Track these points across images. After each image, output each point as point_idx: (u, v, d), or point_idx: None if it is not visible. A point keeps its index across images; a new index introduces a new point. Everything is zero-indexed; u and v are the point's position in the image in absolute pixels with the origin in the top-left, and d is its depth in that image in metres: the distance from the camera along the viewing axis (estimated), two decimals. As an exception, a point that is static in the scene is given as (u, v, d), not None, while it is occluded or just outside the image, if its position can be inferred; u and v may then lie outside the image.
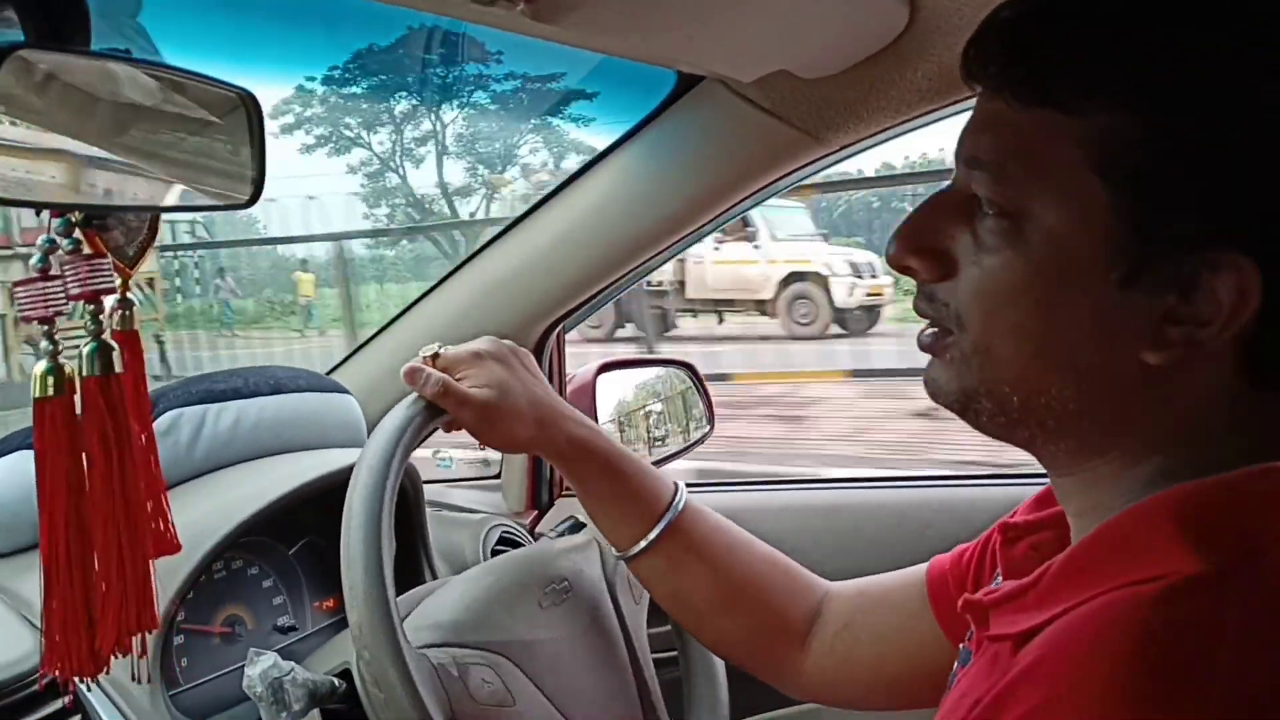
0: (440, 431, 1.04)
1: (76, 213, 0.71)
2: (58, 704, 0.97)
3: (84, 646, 0.73)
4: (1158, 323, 0.61)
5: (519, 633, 1.05)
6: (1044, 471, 0.73)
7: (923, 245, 0.70)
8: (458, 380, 1.01)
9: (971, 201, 0.67)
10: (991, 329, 0.66)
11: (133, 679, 0.96)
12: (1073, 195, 0.62)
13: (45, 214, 0.69)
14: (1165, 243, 0.60)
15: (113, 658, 0.75)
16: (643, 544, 1.04)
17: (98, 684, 1.01)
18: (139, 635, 0.76)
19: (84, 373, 0.72)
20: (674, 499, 1.05)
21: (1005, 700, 0.58)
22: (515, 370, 1.04)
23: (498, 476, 1.72)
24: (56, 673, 0.74)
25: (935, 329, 0.70)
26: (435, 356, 1.03)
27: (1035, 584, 0.66)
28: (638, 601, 1.19)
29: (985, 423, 0.69)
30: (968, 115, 0.70)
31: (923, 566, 0.99)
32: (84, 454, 0.73)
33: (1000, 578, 0.80)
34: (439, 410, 1.00)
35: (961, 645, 0.80)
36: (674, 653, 1.25)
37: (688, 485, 1.09)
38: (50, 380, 0.71)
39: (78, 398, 0.73)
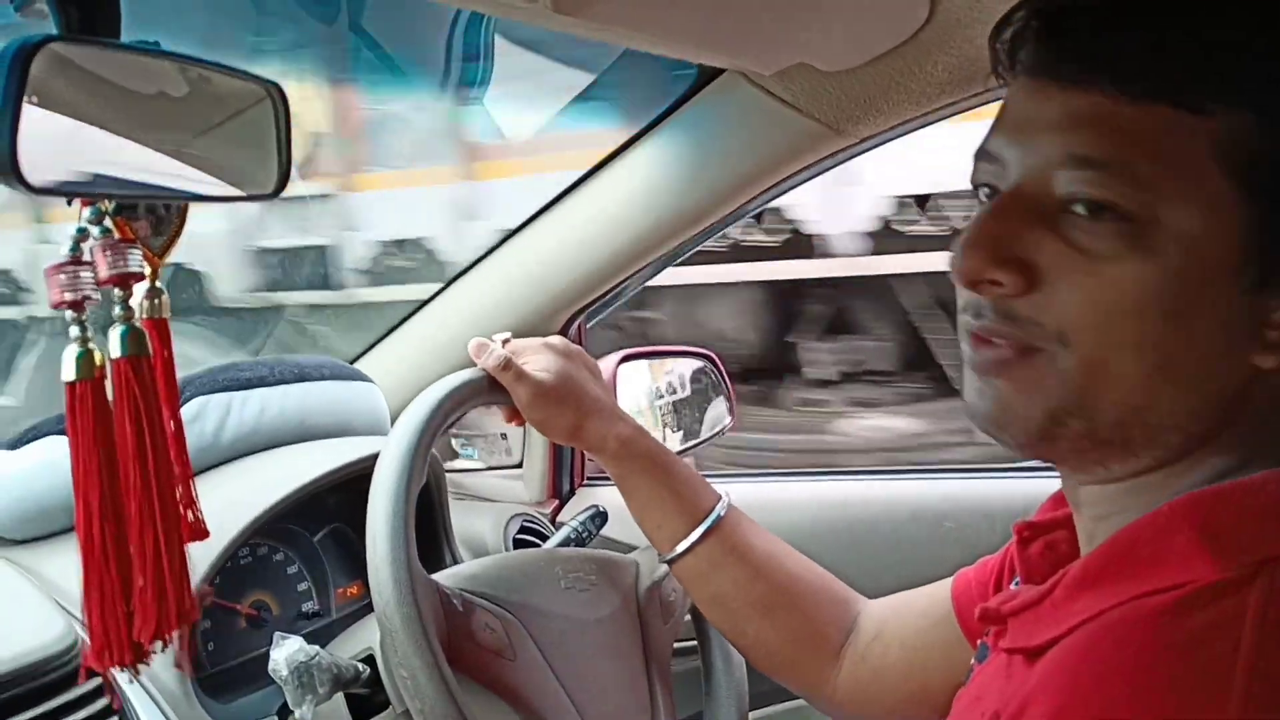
0: (500, 419, 1.09)
1: (107, 202, 0.72)
2: (88, 686, 0.99)
3: (124, 637, 0.73)
4: (1274, 326, 0.60)
5: (534, 599, 1.07)
6: None
7: (1008, 255, 0.62)
8: (521, 363, 1.05)
9: (1050, 204, 0.62)
10: (1108, 343, 0.61)
11: (176, 666, 0.98)
12: (1205, 197, 0.59)
13: (76, 203, 0.70)
14: None
15: (154, 648, 0.75)
16: (685, 544, 1.04)
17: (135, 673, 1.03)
18: (179, 625, 0.75)
19: (115, 355, 0.73)
20: (717, 503, 1.06)
21: (1022, 712, 0.58)
22: (577, 366, 1.08)
23: (519, 466, 1.73)
24: (99, 665, 0.74)
25: (1008, 348, 0.64)
26: (506, 342, 1.07)
27: (1050, 592, 0.65)
28: (666, 622, 1.19)
29: (1063, 447, 0.65)
30: (991, 107, 0.67)
31: (950, 579, 0.99)
32: (116, 437, 0.73)
33: (1019, 580, 0.79)
34: (497, 387, 1.04)
35: (981, 640, 0.80)
36: (693, 641, 1.25)
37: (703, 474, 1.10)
38: (81, 363, 0.72)
39: (108, 382, 0.74)
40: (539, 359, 1.06)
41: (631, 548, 1.23)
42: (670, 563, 1.06)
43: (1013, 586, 0.81)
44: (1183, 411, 0.62)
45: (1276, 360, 0.60)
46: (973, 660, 0.81)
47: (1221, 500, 0.61)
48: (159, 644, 0.74)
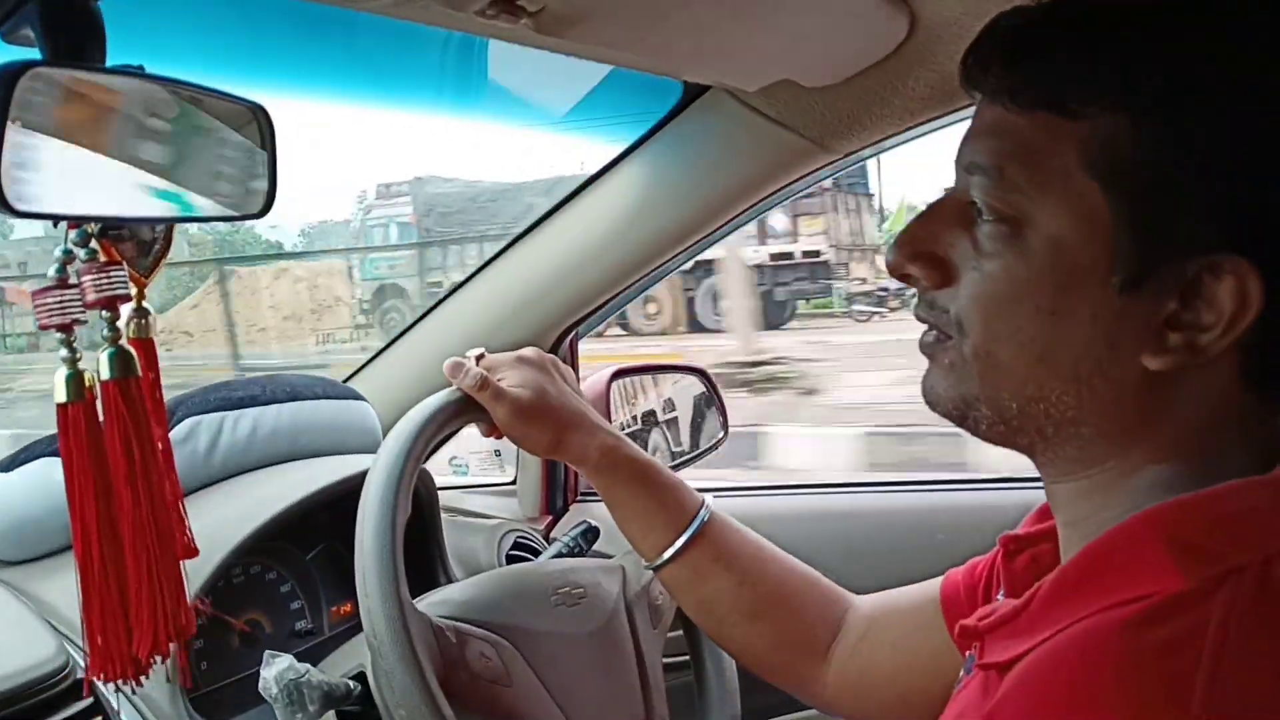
0: (462, 438, 1.07)
1: (93, 224, 0.73)
2: (81, 705, 0.99)
3: (125, 651, 0.74)
4: (1159, 328, 0.61)
5: (526, 621, 1.07)
6: None
7: (921, 251, 0.70)
8: (497, 380, 1.04)
9: (970, 208, 0.67)
10: (992, 334, 0.66)
11: (167, 680, 0.98)
12: (1073, 199, 0.62)
13: (62, 225, 0.71)
14: (1166, 247, 0.60)
15: (154, 661, 0.76)
16: (669, 552, 1.05)
17: (117, 686, 1.03)
18: (176, 639, 0.77)
19: (104, 377, 0.73)
20: (700, 509, 1.06)
21: None
22: (552, 378, 1.07)
23: (513, 482, 1.73)
24: (101, 677, 0.75)
25: (935, 333, 0.71)
26: (480, 358, 1.07)
27: (1025, 607, 0.66)
28: (655, 627, 1.19)
29: (985, 430, 0.69)
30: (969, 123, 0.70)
31: (939, 580, 0.99)
32: (108, 457, 0.74)
33: (1003, 593, 0.80)
34: (475, 406, 1.03)
35: (968, 652, 0.80)
36: (685, 656, 1.25)
37: (701, 490, 1.10)
38: (71, 385, 0.73)
39: (99, 404, 0.74)
40: (515, 374, 1.05)
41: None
42: (655, 570, 1.07)
43: (999, 598, 0.82)
44: (1082, 406, 0.65)
45: (1164, 362, 0.61)
46: (962, 671, 0.81)
47: (1187, 511, 0.61)
48: (158, 657, 0.76)
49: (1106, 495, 0.66)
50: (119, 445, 0.74)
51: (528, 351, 1.09)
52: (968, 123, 0.69)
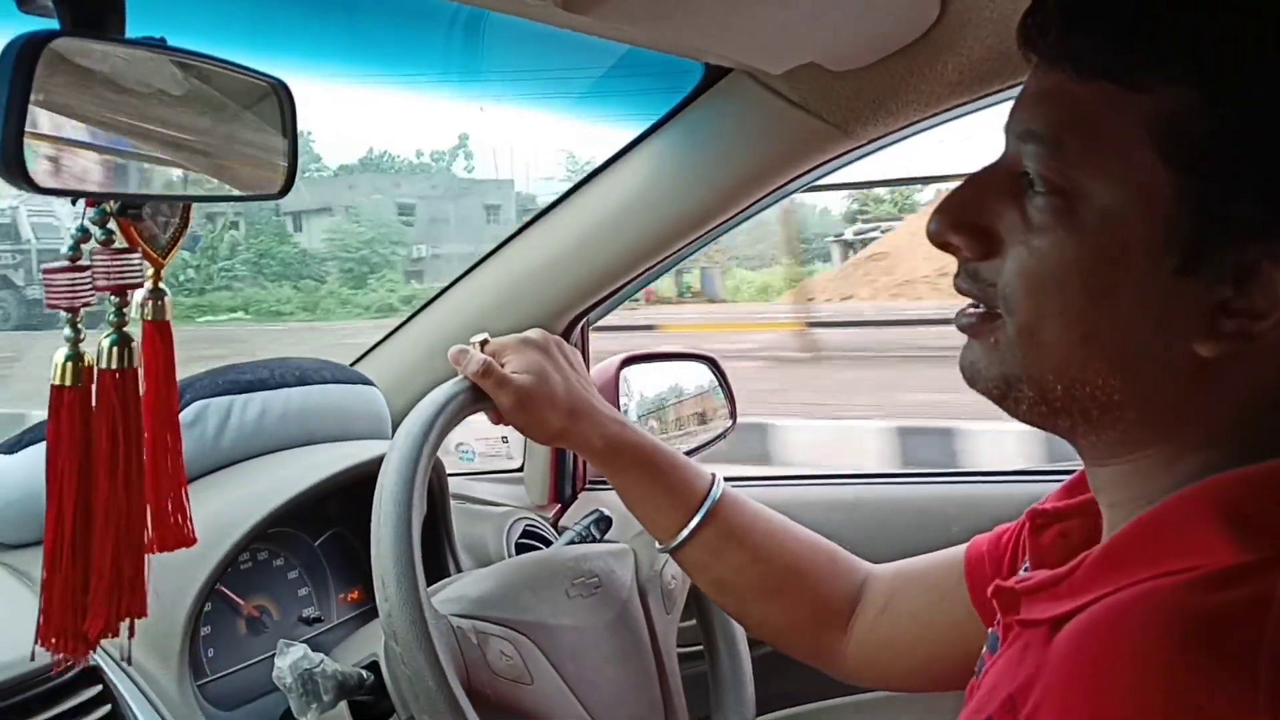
0: (470, 423, 1.06)
1: (111, 202, 0.71)
2: (91, 693, 0.98)
3: (76, 628, 0.75)
4: (1212, 313, 0.60)
5: (543, 615, 1.06)
6: (1070, 469, 0.71)
7: (966, 220, 0.67)
8: (501, 365, 1.02)
9: (1020, 178, 0.65)
10: (1038, 312, 0.64)
11: (121, 658, 0.97)
12: (1132, 174, 0.60)
13: (82, 203, 0.69)
14: (1226, 229, 0.59)
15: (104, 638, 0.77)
16: (683, 534, 1.04)
17: (125, 673, 1.02)
18: (129, 620, 0.77)
19: (101, 365, 0.72)
20: (711, 488, 1.05)
21: (1037, 680, 0.58)
22: (557, 362, 1.05)
23: (521, 470, 1.72)
24: (49, 648, 0.76)
25: (978, 310, 0.68)
26: (484, 344, 1.05)
27: (1071, 574, 0.65)
28: (669, 611, 1.19)
29: (1025, 411, 0.67)
30: (1000, 106, 0.68)
31: (962, 547, 0.98)
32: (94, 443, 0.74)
33: (1029, 565, 0.79)
34: (482, 395, 1.02)
35: (991, 630, 0.79)
36: (700, 646, 1.24)
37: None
38: (69, 369, 0.72)
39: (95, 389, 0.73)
40: (519, 359, 1.03)
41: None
42: (671, 552, 1.06)
43: (1023, 571, 0.80)
44: (1127, 390, 0.63)
45: (1215, 349, 0.60)
46: (984, 649, 0.80)
47: (1247, 485, 0.60)
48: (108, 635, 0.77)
49: (1149, 479, 0.65)
50: (105, 435, 0.73)
51: (532, 333, 1.07)
52: (989, 110, 0.67)
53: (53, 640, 0.75)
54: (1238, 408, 0.62)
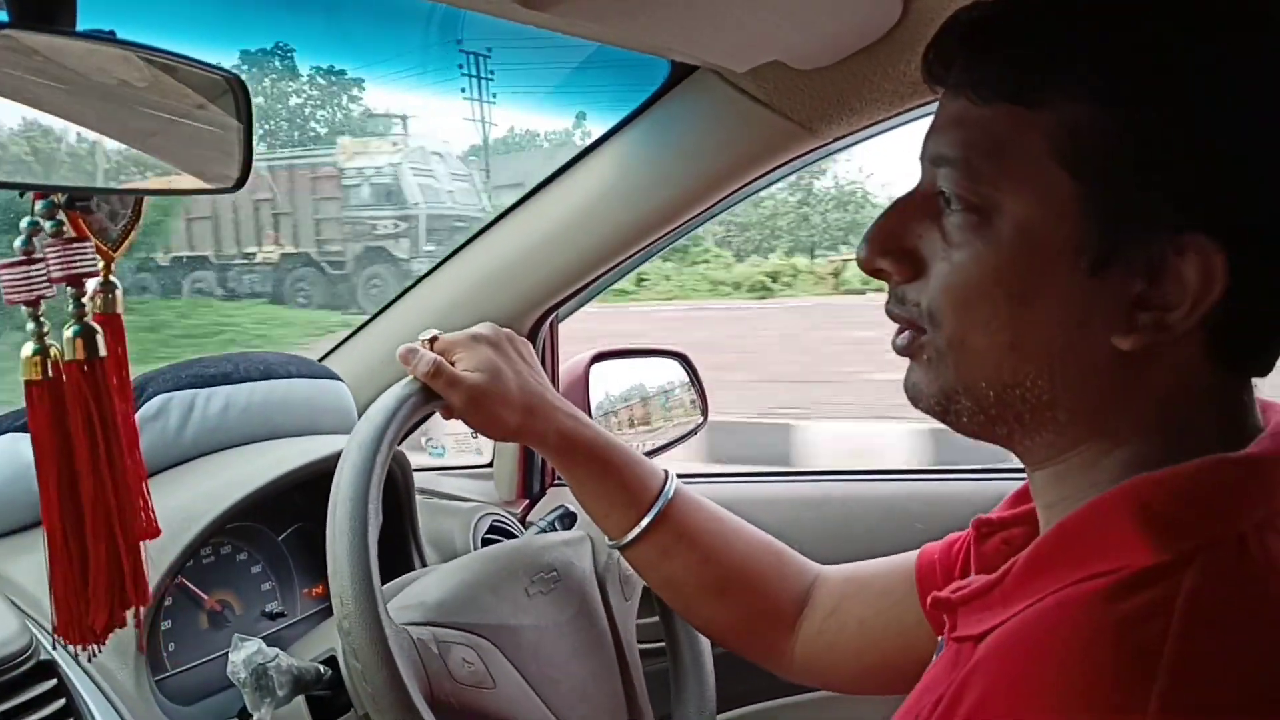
0: (439, 419, 1.06)
1: (60, 195, 0.70)
2: (45, 687, 0.97)
3: (84, 620, 0.76)
4: (1128, 308, 0.62)
5: (503, 617, 1.05)
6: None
7: (892, 246, 0.70)
8: (452, 363, 1.02)
9: (936, 200, 0.68)
10: (964, 323, 0.66)
11: (139, 649, 0.98)
12: (1039, 186, 0.63)
13: (28, 196, 0.69)
14: (1132, 227, 0.61)
15: (114, 630, 0.79)
16: (634, 533, 1.04)
17: (81, 668, 1.01)
18: (134, 609, 0.79)
19: (66, 357, 0.72)
20: (664, 487, 1.05)
21: (957, 698, 0.59)
22: (509, 357, 1.05)
23: (489, 465, 1.71)
24: (63, 642, 0.78)
25: (908, 331, 0.71)
26: (434, 341, 1.04)
27: (1000, 581, 0.67)
28: (627, 599, 1.20)
29: (966, 423, 0.70)
30: None
31: (914, 554, 0.99)
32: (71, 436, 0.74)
33: (973, 573, 0.80)
34: (434, 394, 1.01)
35: (940, 637, 0.80)
36: (662, 643, 1.25)
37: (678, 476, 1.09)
38: (37, 362, 0.72)
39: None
40: (470, 357, 1.02)
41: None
42: (621, 550, 1.06)
43: (967, 580, 0.82)
44: (1055, 389, 0.65)
45: (1132, 341, 0.62)
46: (934, 655, 0.81)
47: (1158, 486, 0.62)
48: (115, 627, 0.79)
49: (1083, 477, 0.67)
50: (80, 425, 0.74)
51: (483, 328, 1.06)
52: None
53: (65, 635, 0.77)
54: (1161, 400, 0.64)
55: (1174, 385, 0.64)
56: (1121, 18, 0.61)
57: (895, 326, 0.72)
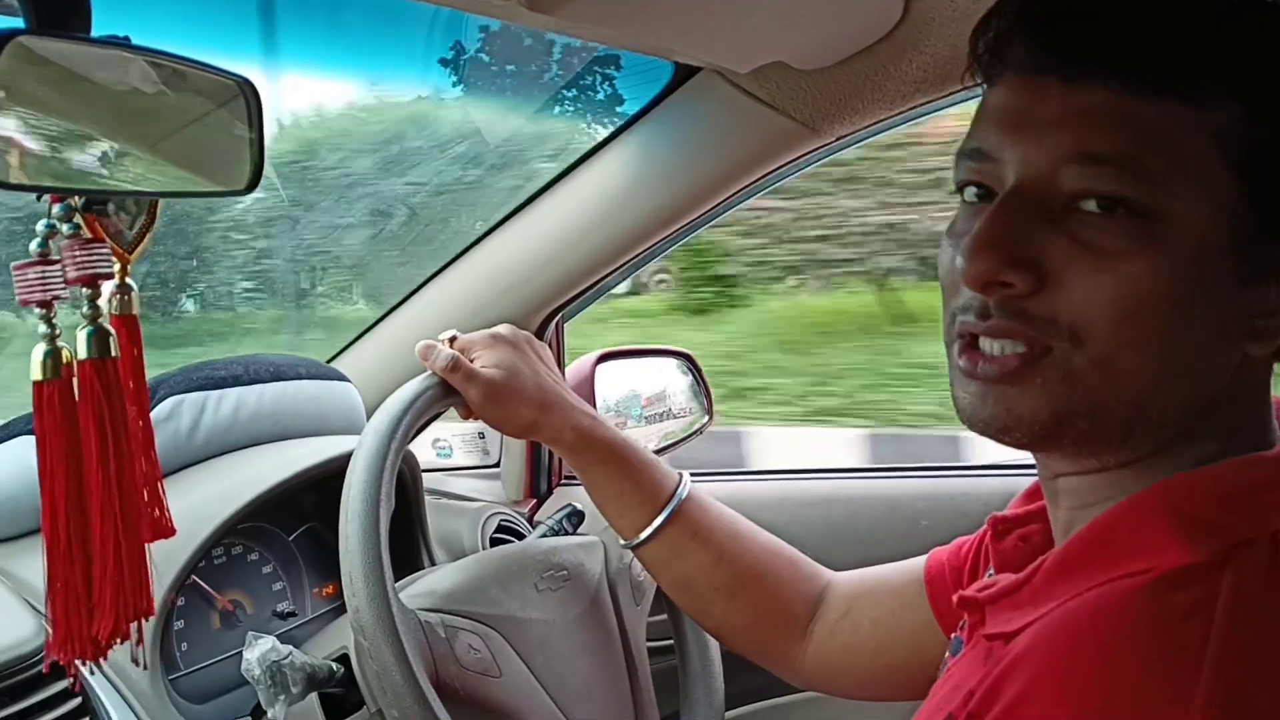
0: (456, 417, 1.07)
1: (76, 198, 0.71)
2: (60, 686, 0.98)
3: (85, 631, 0.74)
4: (1266, 314, 0.61)
5: (512, 609, 1.07)
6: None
7: (1020, 256, 0.61)
8: (470, 360, 1.03)
9: (1056, 201, 0.61)
10: (1120, 339, 0.60)
11: (134, 662, 0.98)
12: (1209, 190, 0.59)
13: (45, 199, 0.70)
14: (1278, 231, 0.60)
15: (115, 643, 0.76)
16: (647, 532, 1.05)
17: (99, 668, 1.02)
18: (137, 621, 0.77)
19: (80, 356, 0.72)
20: (678, 488, 1.06)
21: (996, 690, 0.59)
22: (527, 356, 1.06)
23: (497, 465, 1.72)
24: (61, 657, 0.75)
25: (1020, 352, 0.62)
26: (453, 340, 1.06)
27: (1029, 579, 0.66)
28: (638, 603, 1.20)
29: (1066, 445, 0.64)
30: (964, 106, 0.67)
31: (922, 558, 0.99)
32: (81, 438, 0.74)
33: (993, 571, 0.80)
34: (451, 390, 1.02)
35: (954, 635, 0.81)
36: (670, 640, 1.25)
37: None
38: (48, 363, 0.72)
39: (76, 381, 0.73)
40: (488, 354, 1.04)
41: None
42: (634, 549, 1.07)
43: (987, 577, 0.82)
44: (1183, 405, 0.62)
45: (1265, 348, 0.62)
46: (947, 654, 0.81)
47: (1192, 486, 0.62)
48: (119, 640, 0.76)
49: (1136, 481, 0.64)
50: (93, 426, 0.73)
51: (502, 329, 1.08)
52: (964, 106, 0.67)
53: (63, 648, 0.74)
54: (1236, 400, 0.64)
55: (1247, 386, 0.64)
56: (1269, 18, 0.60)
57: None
